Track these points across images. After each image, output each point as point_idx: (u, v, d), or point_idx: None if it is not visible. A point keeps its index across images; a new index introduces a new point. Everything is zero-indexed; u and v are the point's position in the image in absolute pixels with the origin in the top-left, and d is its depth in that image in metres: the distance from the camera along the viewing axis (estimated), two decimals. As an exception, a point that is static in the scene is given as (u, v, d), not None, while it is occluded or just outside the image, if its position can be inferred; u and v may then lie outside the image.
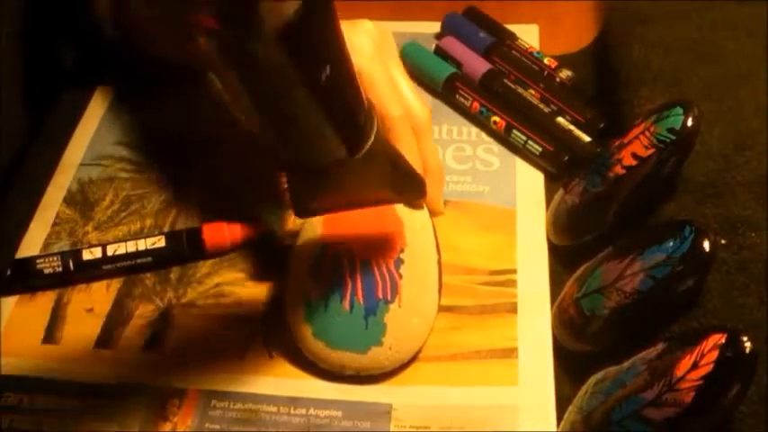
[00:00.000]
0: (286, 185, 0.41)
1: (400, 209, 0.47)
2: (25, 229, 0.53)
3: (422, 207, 0.48)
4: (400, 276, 0.45)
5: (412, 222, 0.47)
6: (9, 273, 0.50)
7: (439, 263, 0.47)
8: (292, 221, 0.49)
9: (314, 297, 0.45)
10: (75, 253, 0.50)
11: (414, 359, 0.45)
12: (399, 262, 0.46)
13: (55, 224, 0.53)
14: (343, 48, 0.33)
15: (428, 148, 0.47)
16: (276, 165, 0.43)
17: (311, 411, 0.44)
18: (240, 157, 0.56)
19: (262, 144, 0.37)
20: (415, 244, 0.46)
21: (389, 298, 0.45)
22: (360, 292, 0.45)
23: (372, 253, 0.46)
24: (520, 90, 0.58)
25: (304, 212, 0.42)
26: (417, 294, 0.45)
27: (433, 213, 0.49)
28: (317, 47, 0.31)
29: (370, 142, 0.36)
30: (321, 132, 0.34)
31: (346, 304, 0.45)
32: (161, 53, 0.58)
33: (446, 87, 0.59)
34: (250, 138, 0.52)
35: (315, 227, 0.47)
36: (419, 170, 0.46)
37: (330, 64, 0.32)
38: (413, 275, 0.46)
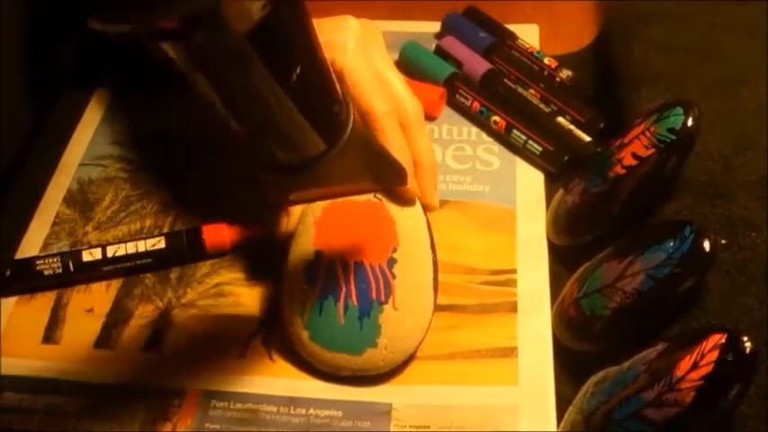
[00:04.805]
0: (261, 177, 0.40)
1: (392, 207, 0.47)
2: (25, 229, 0.53)
3: (413, 203, 0.47)
4: (393, 276, 0.45)
5: (404, 221, 0.47)
6: (9, 273, 0.50)
7: (435, 261, 0.47)
8: (289, 223, 0.48)
9: (309, 300, 0.45)
10: (75, 254, 0.50)
11: (410, 359, 0.45)
12: (392, 261, 0.45)
13: (55, 224, 0.53)
14: (315, 44, 0.33)
15: (419, 142, 0.45)
16: (254, 165, 0.42)
17: (311, 411, 0.44)
18: (240, 157, 0.55)
19: (237, 144, 0.37)
20: (407, 243, 0.46)
21: (383, 299, 0.45)
22: (353, 294, 0.45)
23: (365, 254, 0.46)
24: (520, 90, 0.58)
25: (281, 203, 0.41)
26: (411, 294, 0.45)
27: (427, 209, 0.48)
28: (286, 45, 0.31)
29: (346, 135, 0.35)
30: (297, 130, 0.33)
31: (341, 306, 0.45)
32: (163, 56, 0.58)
33: (446, 87, 0.59)
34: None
35: (308, 229, 0.46)
36: (408, 165, 0.46)
37: (301, 62, 0.32)
38: (406, 275, 0.45)
